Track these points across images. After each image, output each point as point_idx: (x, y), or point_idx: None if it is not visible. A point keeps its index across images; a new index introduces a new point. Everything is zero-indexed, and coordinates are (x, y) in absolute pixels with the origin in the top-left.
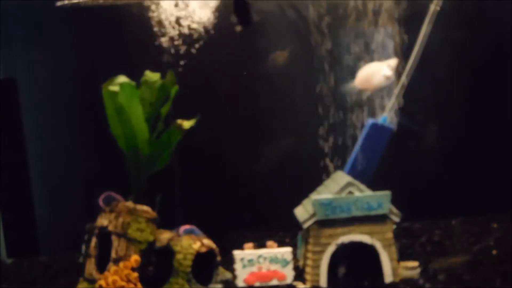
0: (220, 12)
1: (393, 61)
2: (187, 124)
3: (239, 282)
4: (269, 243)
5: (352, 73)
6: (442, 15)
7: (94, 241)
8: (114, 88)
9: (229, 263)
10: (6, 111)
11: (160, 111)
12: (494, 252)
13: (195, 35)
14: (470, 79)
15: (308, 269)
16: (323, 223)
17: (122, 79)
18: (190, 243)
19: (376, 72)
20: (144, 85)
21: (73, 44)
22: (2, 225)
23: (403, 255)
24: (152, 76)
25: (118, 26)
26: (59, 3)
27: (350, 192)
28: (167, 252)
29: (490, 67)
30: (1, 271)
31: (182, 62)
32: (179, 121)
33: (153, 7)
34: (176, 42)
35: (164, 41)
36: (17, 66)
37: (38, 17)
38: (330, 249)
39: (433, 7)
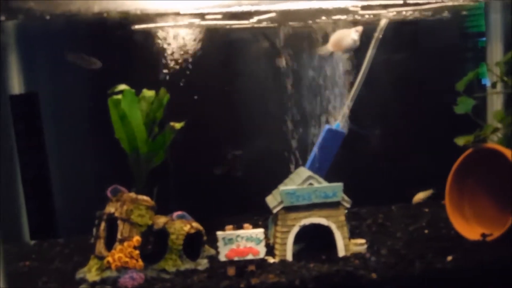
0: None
1: (359, 28)
2: (178, 125)
3: (221, 257)
4: (245, 225)
5: (312, 90)
6: (384, 40)
7: (103, 225)
8: (118, 96)
9: (213, 242)
10: (29, 120)
11: (156, 117)
12: (426, 231)
13: (185, 58)
14: (408, 92)
15: (277, 246)
16: (289, 209)
17: (123, 86)
18: (182, 225)
19: (346, 36)
20: (142, 100)
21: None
22: (27, 213)
23: (353, 234)
24: (148, 93)
25: (126, 48)
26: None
27: (311, 184)
28: (163, 233)
29: (425, 81)
30: (25, 251)
31: (173, 78)
32: (171, 123)
33: (158, 34)
34: (169, 63)
35: (160, 62)
36: (39, 80)
37: (57, 38)
38: (295, 230)
39: (377, 35)
